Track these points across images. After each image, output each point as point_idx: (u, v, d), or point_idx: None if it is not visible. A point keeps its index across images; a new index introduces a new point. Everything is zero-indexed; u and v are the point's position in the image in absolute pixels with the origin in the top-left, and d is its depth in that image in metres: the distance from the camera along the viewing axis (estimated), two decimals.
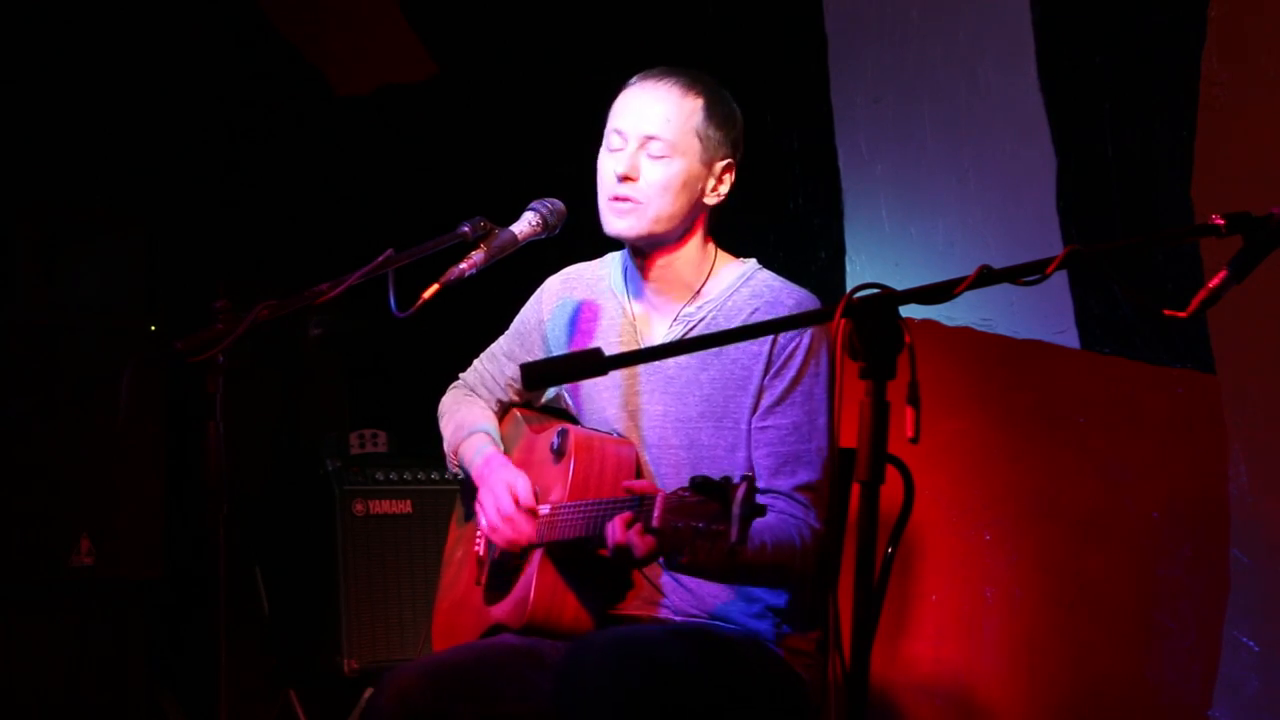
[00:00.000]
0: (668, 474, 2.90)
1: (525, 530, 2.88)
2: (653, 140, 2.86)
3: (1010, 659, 3.64)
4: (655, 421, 2.92)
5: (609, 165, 2.89)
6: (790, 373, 2.84)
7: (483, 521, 2.97)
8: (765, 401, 2.84)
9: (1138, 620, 3.44)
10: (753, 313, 2.89)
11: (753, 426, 2.85)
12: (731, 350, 2.87)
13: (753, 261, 2.99)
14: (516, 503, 2.89)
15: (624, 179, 2.86)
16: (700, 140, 2.87)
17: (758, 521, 2.66)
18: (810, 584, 2.84)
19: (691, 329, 2.92)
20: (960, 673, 3.73)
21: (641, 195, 2.87)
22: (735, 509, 2.32)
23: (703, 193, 2.90)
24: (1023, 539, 3.64)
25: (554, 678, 2.65)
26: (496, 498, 2.92)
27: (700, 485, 2.37)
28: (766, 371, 2.84)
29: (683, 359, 2.90)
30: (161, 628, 4.76)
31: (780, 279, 2.95)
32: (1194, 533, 3.35)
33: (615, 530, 2.57)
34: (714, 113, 2.89)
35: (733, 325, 2.88)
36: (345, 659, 4.59)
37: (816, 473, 2.82)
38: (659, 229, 2.89)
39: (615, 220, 2.89)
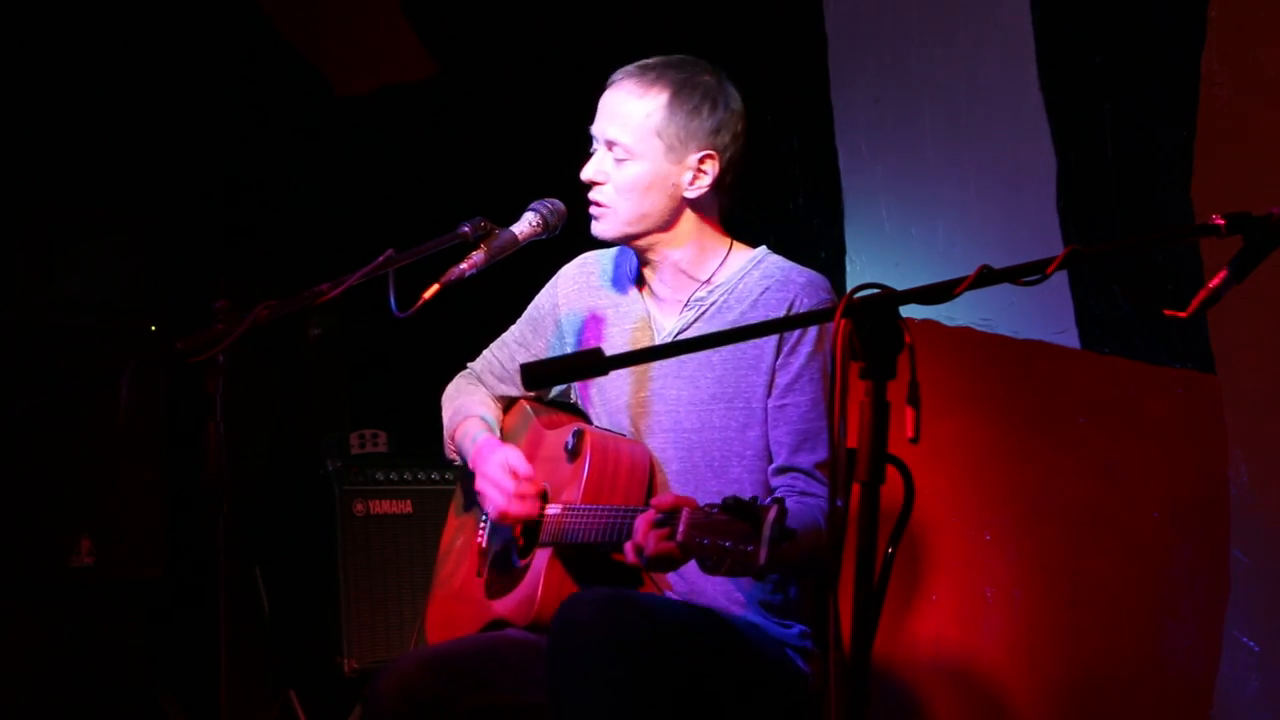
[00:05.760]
0: (680, 458, 2.91)
1: (528, 504, 2.90)
2: (614, 145, 2.90)
3: (1010, 659, 3.64)
4: (670, 405, 2.93)
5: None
6: (805, 349, 2.86)
7: (490, 510, 2.96)
8: (781, 380, 2.86)
9: (1137, 620, 3.44)
10: (763, 293, 2.91)
11: (770, 406, 2.87)
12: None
13: (763, 248, 3.01)
14: (516, 478, 2.91)
15: (592, 184, 2.92)
16: (662, 138, 2.88)
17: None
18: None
19: (703, 313, 2.94)
20: (960, 672, 3.73)
21: (607, 199, 2.92)
22: (766, 531, 2.31)
23: (678, 188, 2.91)
24: (1023, 539, 3.64)
25: (551, 628, 2.64)
26: (497, 482, 2.93)
27: (731, 506, 2.36)
28: (780, 350, 2.87)
29: (691, 333, 2.93)
30: (161, 628, 4.76)
31: (790, 262, 2.98)
32: (1194, 533, 3.35)
33: (638, 530, 2.58)
34: (679, 107, 2.88)
35: (743, 306, 2.91)
36: (345, 659, 4.59)
37: (829, 449, 2.83)
38: (633, 229, 2.93)
39: (592, 224, 2.95)
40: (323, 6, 5.47)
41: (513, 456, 2.94)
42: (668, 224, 2.93)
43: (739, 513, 2.35)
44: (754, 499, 2.36)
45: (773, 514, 2.32)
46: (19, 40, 4.91)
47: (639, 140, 2.88)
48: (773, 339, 2.86)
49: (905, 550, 3.78)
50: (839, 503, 2.56)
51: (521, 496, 2.90)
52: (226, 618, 2.66)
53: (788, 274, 2.93)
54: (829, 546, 2.80)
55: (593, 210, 2.94)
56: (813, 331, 2.86)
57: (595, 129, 2.94)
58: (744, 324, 2.88)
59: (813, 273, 2.95)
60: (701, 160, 2.90)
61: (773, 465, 2.87)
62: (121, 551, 4.54)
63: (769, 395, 2.87)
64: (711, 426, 2.90)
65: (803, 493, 2.82)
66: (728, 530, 2.36)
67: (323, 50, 5.49)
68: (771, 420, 2.86)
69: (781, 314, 2.87)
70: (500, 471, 2.93)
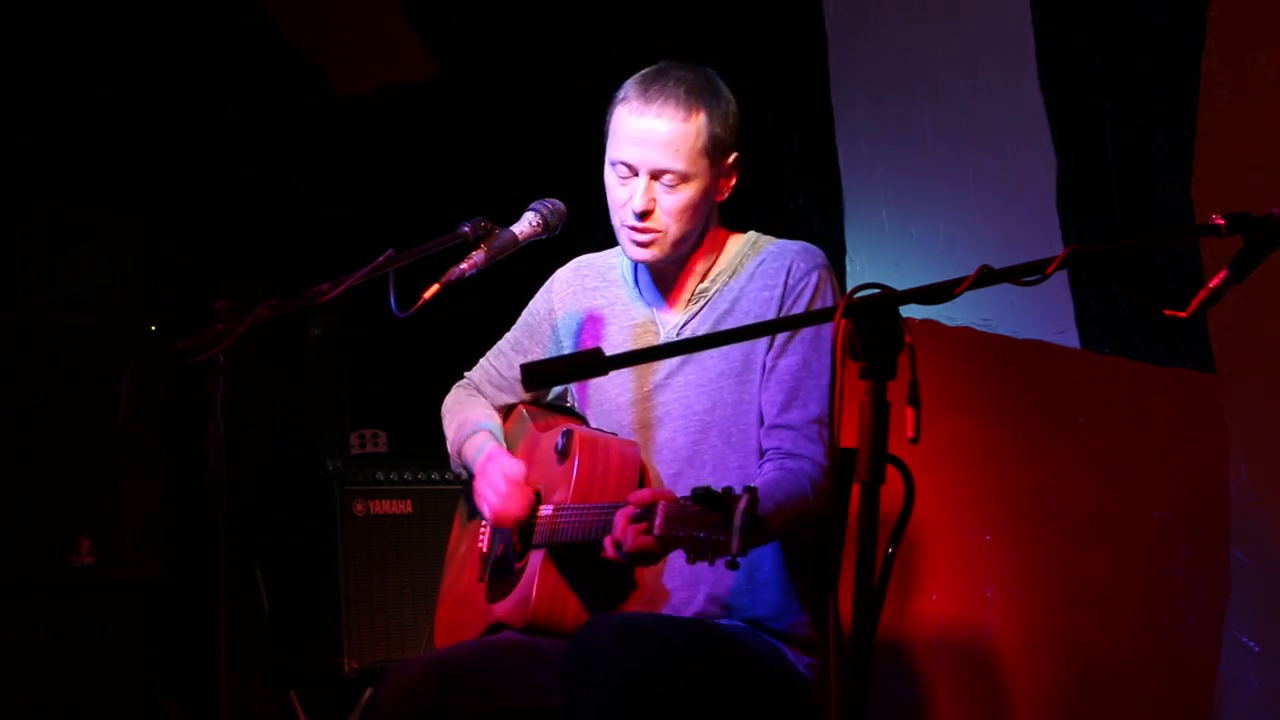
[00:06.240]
0: (693, 443, 2.91)
1: (519, 503, 2.92)
2: (664, 173, 2.84)
3: (1010, 659, 3.64)
4: (678, 392, 2.93)
5: (620, 195, 2.88)
6: (800, 309, 2.87)
7: (484, 509, 2.98)
8: (779, 339, 2.88)
9: (1138, 620, 3.44)
10: (760, 264, 2.93)
11: (765, 364, 2.87)
12: (744, 301, 2.91)
13: (752, 231, 3.03)
14: (509, 482, 2.93)
15: (641, 214, 2.85)
16: (709, 157, 2.86)
17: (766, 481, 2.68)
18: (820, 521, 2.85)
19: (707, 303, 2.95)
20: (960, 672, 3.73)
21: (660, 225, 2.87)
22: (737, 520, 2.33)
23: (715, 195, 2.92)
24: (1023, 539, 3.64)
25: (562, 656, 2.66)
26: (491, 481, 2.96)
27: (702, 496, 2.38)
28: (779, 312, 2.88)
29: (696, 323, 2.94)
30: (161, 628, 4.76)
31: (781, 239, 3.00)
32: (1194, 533, 3.35)
33: (617, 526, 2.59)
34: (715, 121, 2.86)
35: (741, 283, 2.93)
36: (345, 659, 4.59)
37: (824, 407, 2.84)
38: (682, 248, 2.92)
39: (638, 251, 2.90)
40: (323, 6, 5.47)
41: (514, 467, 2.96)
42: (702, 232, 2.94)
43: (710, 503, 2.38)
44: (727, 489, 2.37)
45: (743, 503, 2.34)
46: (18, 40, 4.91)
47: (691, 164, 2.84)
48: (774, 304, 2.88)
49: (905, 550, 3.78)
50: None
51: (507, 497, 2.93)
52: (226, 618, 2.65)
53: (782, 245, 2.97)
54: (828, 548, 2.81)
55: (639, 236, 2.88)
56: (808, 294, 2.88)
57: (632, 157, 2.85)
58: (745, 299, 2.92)
59: (802, 243, 2.97)
60: (732, 166, 2.92)
61: (764, 425, 2.88)
62: (121, 551, 4.54)
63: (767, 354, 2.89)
64: (724, 403, 2.90)
65: (789, 453, 2.83)
66: (701, 521, 2.38)
67: (323, 50, 5.49)
68: (764, 383, 2.88)
69: (780, 279, 2.89)
70: (497, 473, 2.96)
